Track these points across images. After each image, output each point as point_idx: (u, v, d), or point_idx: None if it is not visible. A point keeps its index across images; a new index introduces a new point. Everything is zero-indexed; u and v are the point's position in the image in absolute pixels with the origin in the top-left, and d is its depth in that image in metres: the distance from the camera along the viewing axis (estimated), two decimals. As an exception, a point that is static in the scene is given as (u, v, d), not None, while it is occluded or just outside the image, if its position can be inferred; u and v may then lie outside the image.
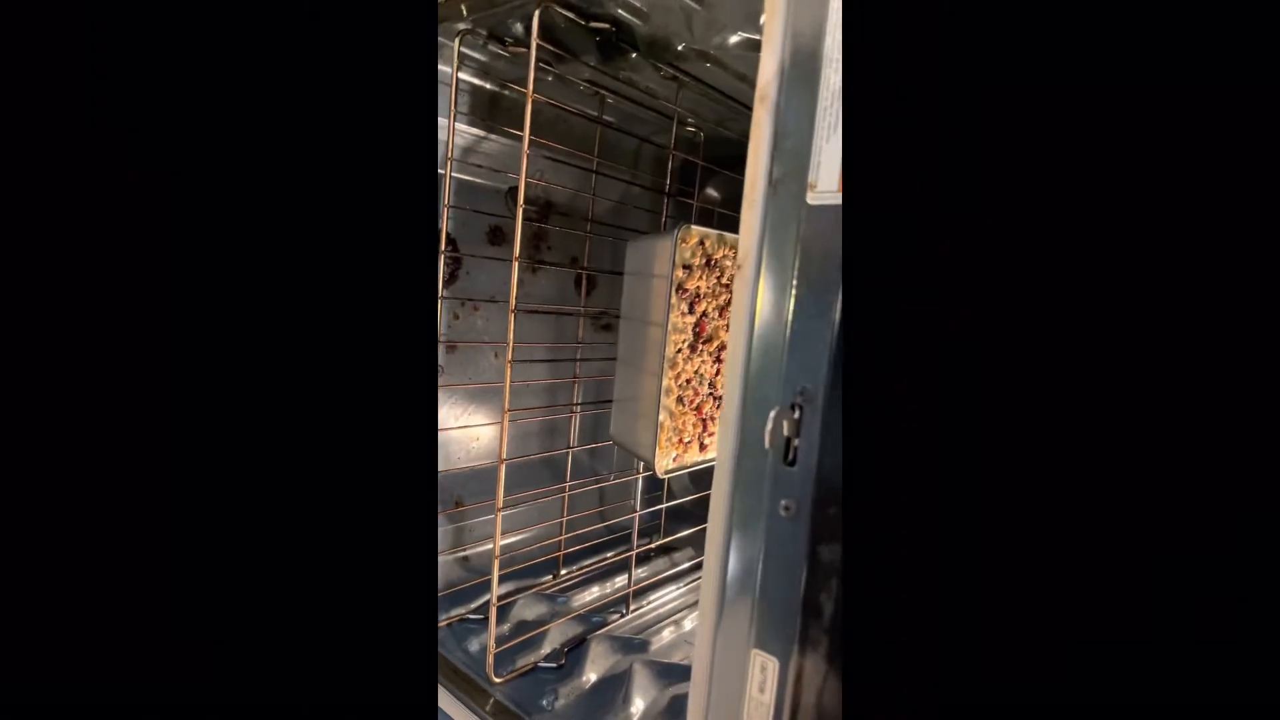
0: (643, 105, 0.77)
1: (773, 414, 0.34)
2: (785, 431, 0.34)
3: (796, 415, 0.34)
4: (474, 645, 0.69)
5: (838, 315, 0.33)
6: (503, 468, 0.62)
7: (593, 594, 0.82)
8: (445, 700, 0.63)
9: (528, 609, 0.76)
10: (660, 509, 0.94)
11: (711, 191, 1.02)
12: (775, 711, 0.35)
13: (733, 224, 0.99)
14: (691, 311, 0.65)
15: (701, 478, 0.73)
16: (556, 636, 0.71)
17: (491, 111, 0.79)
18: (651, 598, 0.83)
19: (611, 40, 0.62)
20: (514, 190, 0.86)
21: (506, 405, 0.61)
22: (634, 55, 0.65)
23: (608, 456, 1.02)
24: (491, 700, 0.62)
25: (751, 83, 0.72)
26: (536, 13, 0.55)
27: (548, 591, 0.80)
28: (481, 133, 0.79)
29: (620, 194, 0.94)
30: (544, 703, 0.62)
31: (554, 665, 0.66)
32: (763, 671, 0.36)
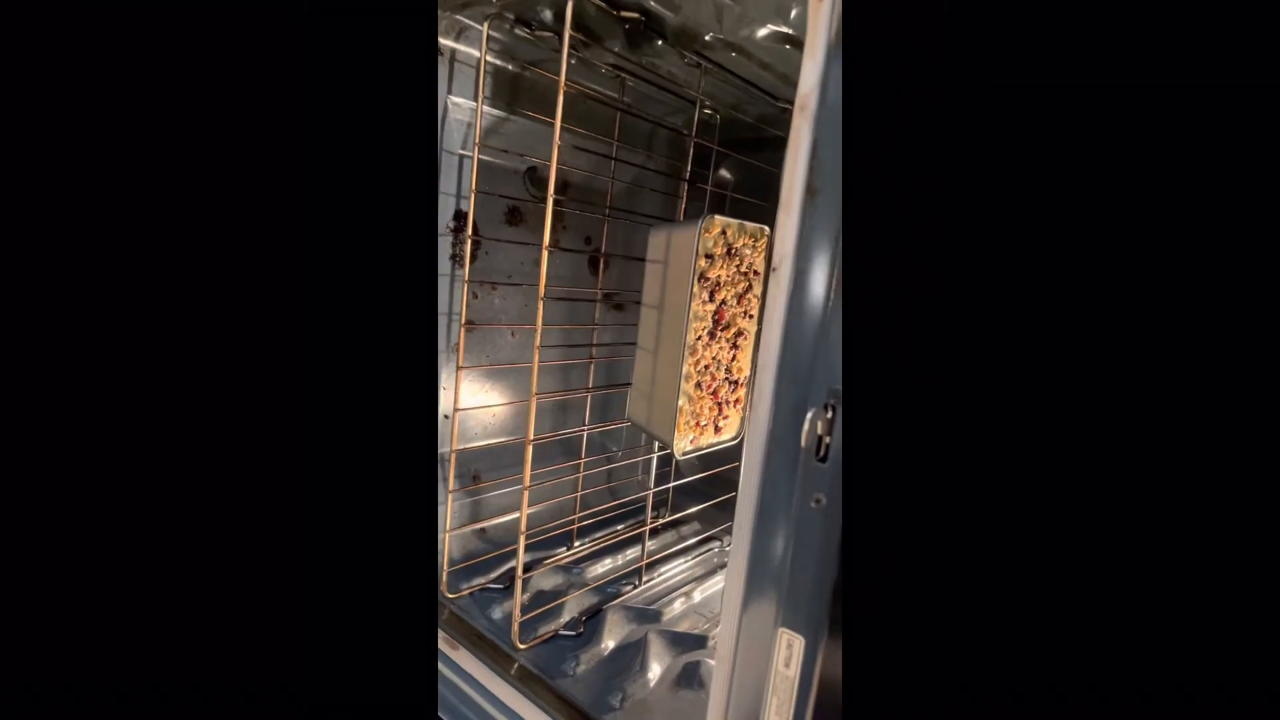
0: (663, 89, 0.77)
1: (810, 415, 0.37)
2: (819, 430, 0.37)
3: (829, 415, 0.37)
4: (496, 613, 0.73)
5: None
6: (529, 448, 0.64)
7: (605, 565, 0.85)
8: (471, 664, 0.66)
9: (545, 579, 0.79)
10: (669, 487, 0.97)
11: (724, 173, 1.03)
12: (801, 684, 0.38)
13: (745, 207, 1.00)
14: (712, 299, 0.67)
15: (710, 457, 0.75)
16: (574, 607, 0.74)
17: (512, 92, 0.79)
18: (662, 570, 0.86)
19: (640, 29, 0.62)
20: (532, 170, 0.86)
21: (534, 390, 0.64)
22: (660, 43, 0.65)
23: (616, 433, 1.05)
24: (516, 665, 0.66)
25: (775, 71, 0.73)
26: (570, 2, 0.55)
27: (563, 563, 0.83)
28: (501, 113, 0.79)
29: (633, 175, 0.95)
30: (565, 668, 0.65)
31: (573, 633, 0.70)
32: (789, 648, 0.39)
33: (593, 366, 0.88)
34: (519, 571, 0.66)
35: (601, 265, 0.93)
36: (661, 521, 0.92)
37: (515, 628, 0.66)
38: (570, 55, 0.69)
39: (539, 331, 0.63)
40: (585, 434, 0.86)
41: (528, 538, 0.79)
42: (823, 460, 0.37)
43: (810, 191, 0.39)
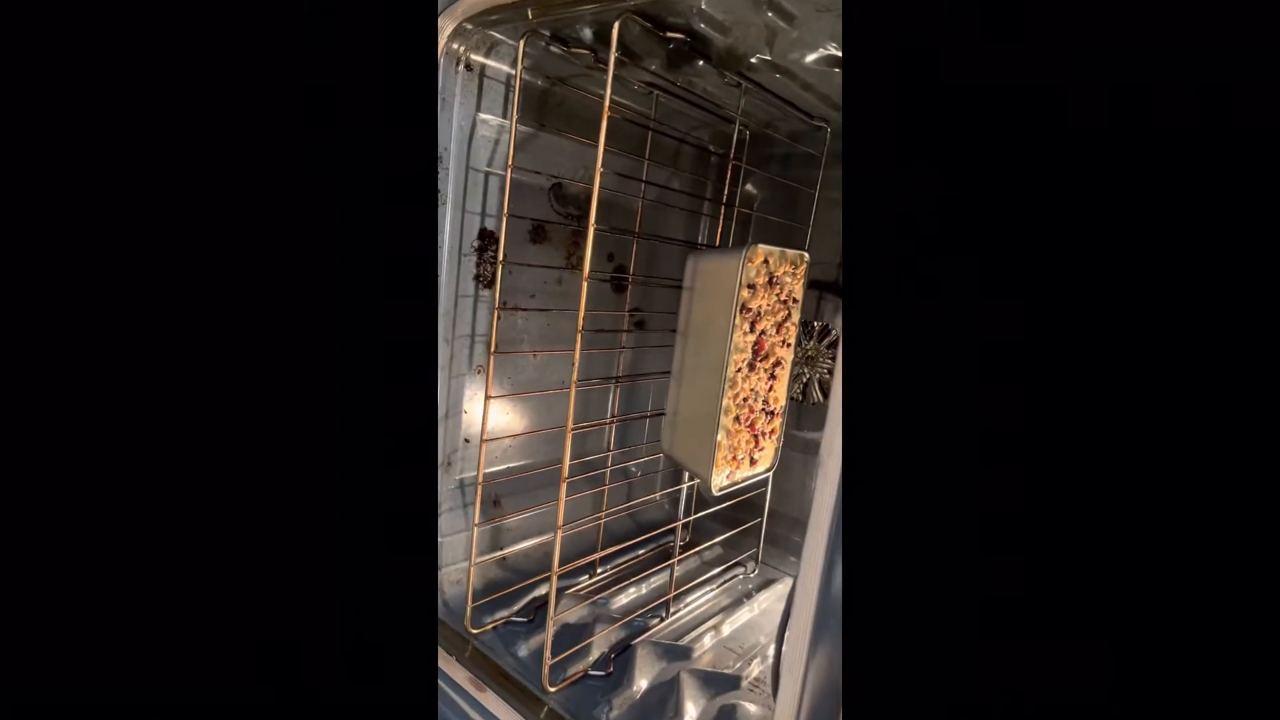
0: (700, 106, 0.75)
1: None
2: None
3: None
4: (522, 650, 0.70)
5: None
6: (564, 486, 0.62)
7: (629, 595, 0.83)
8: (498, 706, 0.64)
9: (568, 612, 0.76)
10: (702, 515, 0.95)
11: (749, 188, 1.01)
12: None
13: (772, 226, 0.97)
14: (752, 330, 0.65)
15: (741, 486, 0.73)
16: (601, 642, 0.72)
17: (540, 108, 0.76)
18: (688, 600, 0.84)
19: (684, 50, 0.59)
20: (557, 186, 0.84)
21: (570, 424, 0.61)
22: (702, 64, 0.63)
23: (634, 453, 1.02)
24: (545, 709, 0.63)
25: (816, 92, 0.70)
26: (616, 24, 0.53)
27: (583, 593, 0.81)
28: (529, 129, 0.76)
29: (658, 193, 0.92)
30: (598, 713, 0.63)
31: (603, 673, 0.68)
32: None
33: (617, 391, 0.85)
34: (551, 612, 0.64)
35: (629, 287, 0.90)
36: (688, 552, 0.90)
37: (546, 671, 0.64)
38: (600, 68, 0.67)
39: (576, 366, 0.60)
40: (610, 459, 0.84)
41: (548, 566, 0.77)
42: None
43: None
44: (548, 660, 0.64)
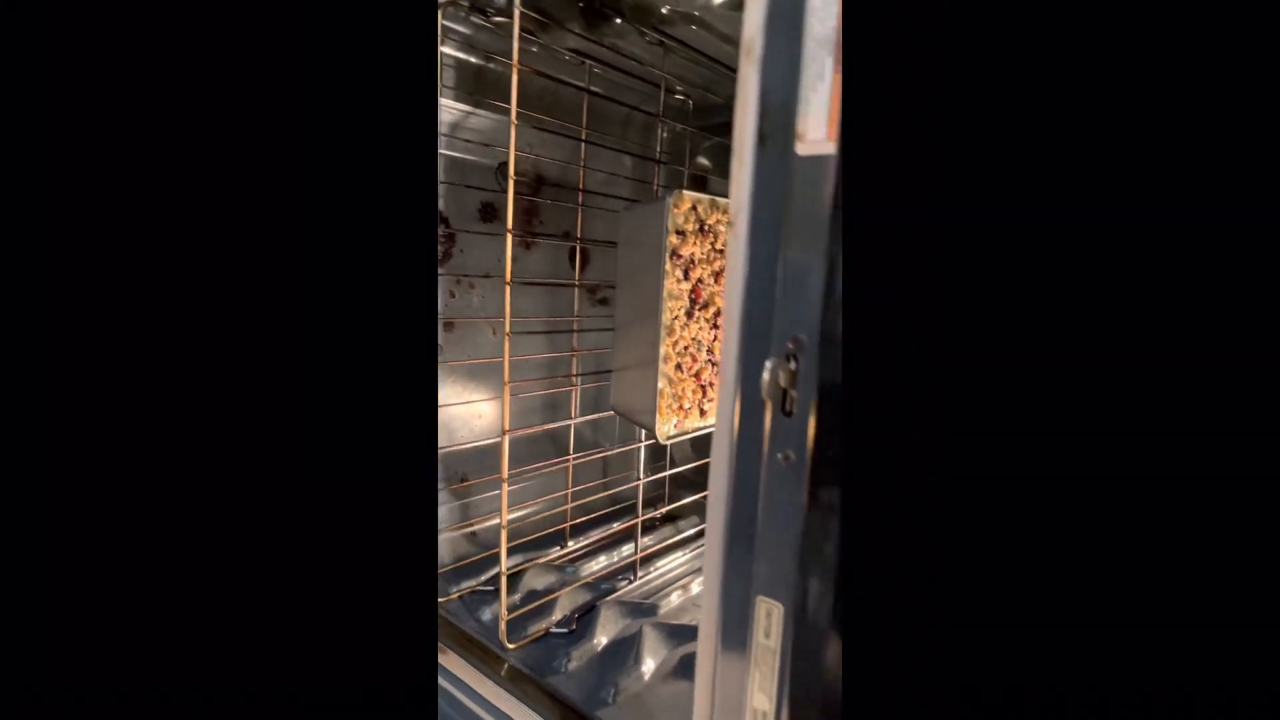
0: (629, 74, 0.76)
1: (769, 364, 0.35)
2: (781, 382, 0.35)
3: (792, 366, 0.35)
4: (486, 615, 0.71)
5: (827, 264, 0.33)
6: (506, 439, 0.63)
7: (600, 564, 0.83)
8: (460, 667, 0.64)
9: (537, 579, 0.77)
10: (664, 476, 0.95)
11: (702, 160, 1.02)
12: (782, 655, 0.36)
13: (725, 191, 0.98)
14: (686, 278, 0.65)
15: (703, 445, 0.73)
16: (567, 604, 0.72)
17: (478, 85, 0.78)
18: (659, 564, 0.84)
19: (595, 7, 0.61)
20: (504, 165, 0.85)
21: (506, 378, 0.62)
22: (619, 21, 0.64)
23: (610, 429, 1.03)
24: (506, 665, 0.63)
25: (737, 43, 0.71)
26: (517, -21, 0.54)
27: (557, 563, 0.81)
28: (468, 107, 0.78)
29: (612, 165, 0.94)
30: (556, 665, 0.63)
31: (566, 630, 0.68)
32: (768, 618, 0.37)
33: (576, 360, 0.86)
34: (503, 567, 0.64)
35: (577, 255, 0.91)
36: (656, 514, 0.90)
37: (503, 626, 0.64)
38: (530, 41, 0.68)
39: (507, 319, 0.61)
40: (573, 429, 0.84)
41: (518, 538, 0.78)
42: (789, 414, 0.35)
43: (761, 139, 0.37)
44: (504, 616, 0.64)
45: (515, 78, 0.57)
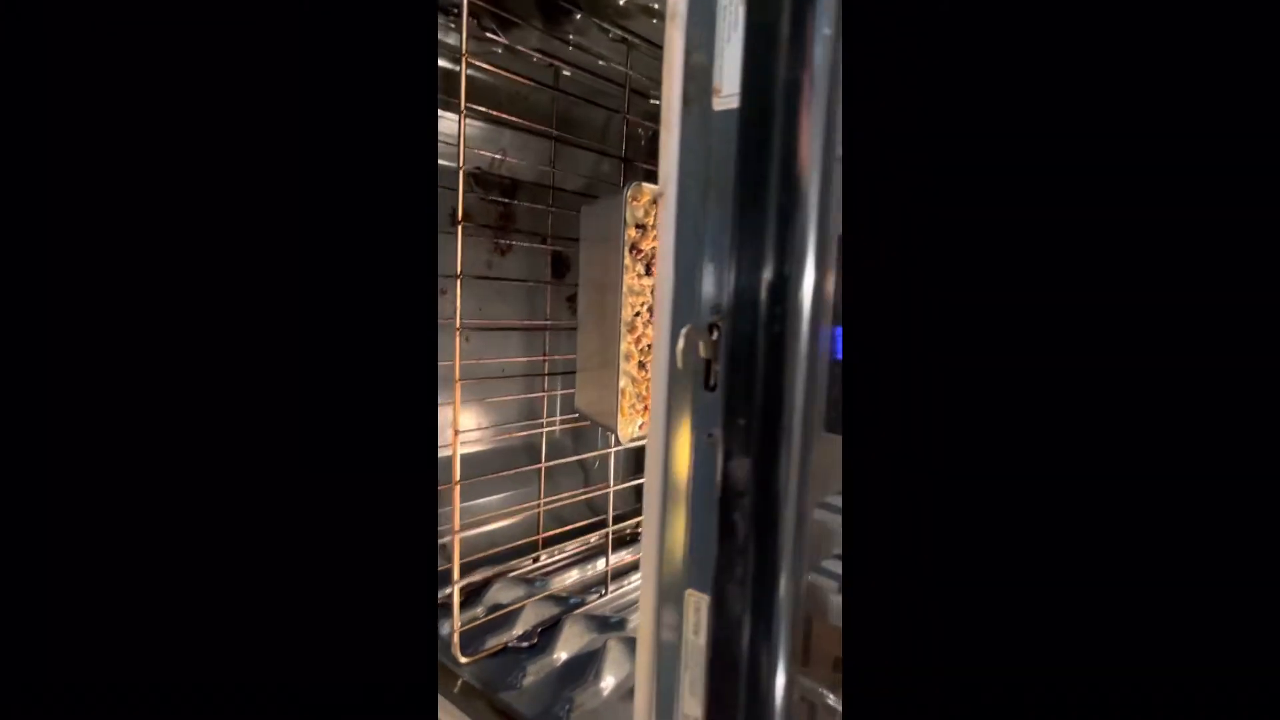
0: (596, 74, 0.75)
1: (684, 331, 0.32)
2: (703, 353, 0.33)
3: (714, 336, 0.32)
4: (445, 629, 0.68)
5: (737, 228, 0.31)
6: (456, 439, 0.61)
7: (573, 577, 0.80)
8: (414, 684, 0.61)
9: (504, 592, 0.74)
10: (638, 484, 0.92)
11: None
12: (709, 652, 0.33)
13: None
14: (649, 273, 0.63)
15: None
16: (531, 618, 0.69)
17: (446, 88, 0.78)
18: (633, 577, 0.80)
19: (554, 1, 0.60)
20: (475, 170, 0.85)
21: (458, 375, 0.60)
22: (578, 16, 0.63)
23: (590, 440, 1.00)
24: (460, 681, 0.60)
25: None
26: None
27: (529, 576, 0.78)
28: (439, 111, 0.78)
29: (590, 170, 0.93)
30: (512, 680, 0.60)
31: (526, 645, 0.65)
32: (696, 612, 0.34)
33: (547, 365, 0.84)
34: (455, 577, 0.61)
35: (549, 259, 0.90)
36: (631, 525, 0.86)
37: (455, 639, 0.61)
38: (493, 41, 0.68)
39: (459, 315, 0.60)
40: (544, 435, 0.82)
41: (491, 549, 0.75)
42: (711, 389, 0.33)
43: (686, 101, 0.35)
44: (456, 629, 0.61)
45: (464, 70, 0.56)
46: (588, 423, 0.94)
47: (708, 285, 0.33)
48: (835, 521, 0.37)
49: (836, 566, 0.37)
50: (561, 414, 0.87)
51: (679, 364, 0.33)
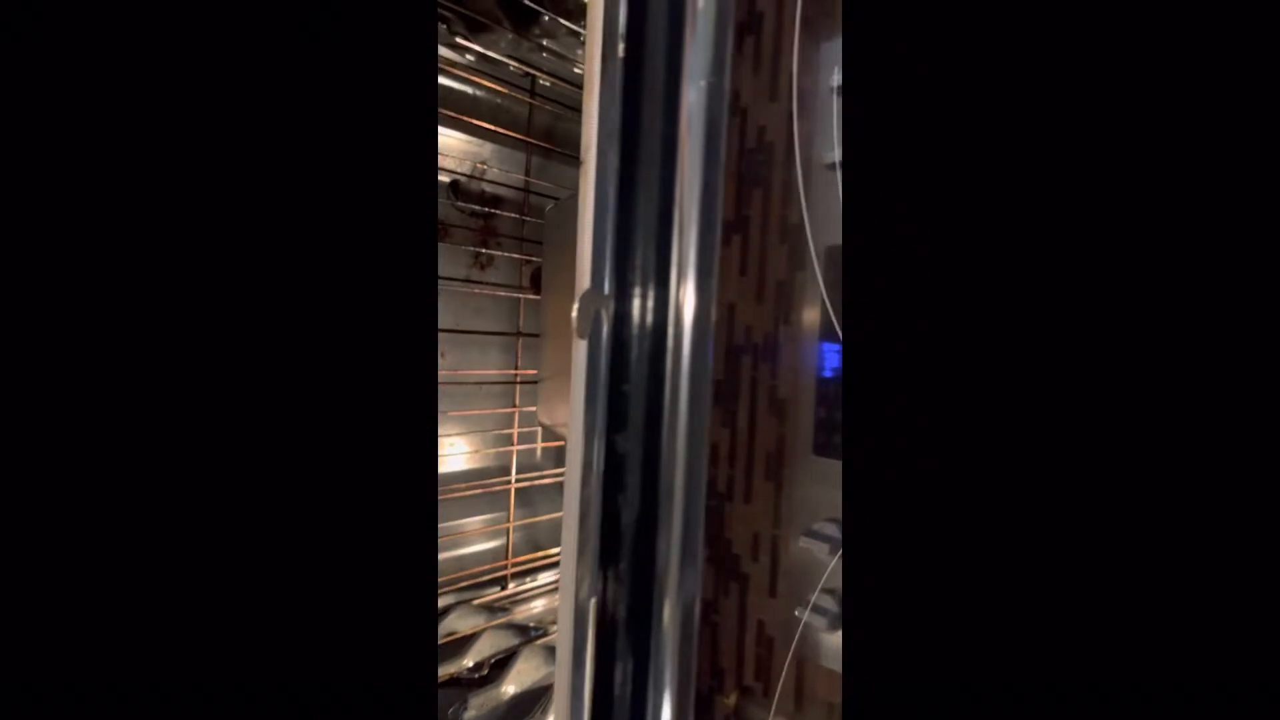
0: (573, 85, 0.74)
1: (578, 300, 0.29)
2: (604, 322, 0.29)
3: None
4: (392, 656, 0.63)
5: (644, 195, 0.28)
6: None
7: (541, 605, 0.75)
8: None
9: (460, 620, 0.69)
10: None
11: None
12: (594, 660, 0.28)
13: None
14: (613, 276, 0.60)
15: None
16: (487, 647, 0.64)
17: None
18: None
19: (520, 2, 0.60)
20: (456, 183, 0.84)
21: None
22: (545, 18, 0.63)
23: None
24: (397, 713, 0.55)
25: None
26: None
27: (495, 605, 0.73)
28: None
29: (573, 183, 0.91)
30: (453, 714, 0.55)
31: (475, 676, 0.60)
32: (597, 618, 0.30)
33: (517, 379, 0.81)
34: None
35: (523, 268, 0.87)
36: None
37: (394, 665, 0.56)
38: (464, 47, 0.67)
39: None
40: (514, 454, 0.78)
41: (459, 572, 0.71)
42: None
43: (604, 58, 0.33)
44: (397, 653, 0.57)
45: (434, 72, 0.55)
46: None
47: (618, 252, 0.30)
48: (823, 550, 0.32)
49: (827, 602, 0.32)
50: (541, 436, 0.83)
51: (576, 334, 0.29)
